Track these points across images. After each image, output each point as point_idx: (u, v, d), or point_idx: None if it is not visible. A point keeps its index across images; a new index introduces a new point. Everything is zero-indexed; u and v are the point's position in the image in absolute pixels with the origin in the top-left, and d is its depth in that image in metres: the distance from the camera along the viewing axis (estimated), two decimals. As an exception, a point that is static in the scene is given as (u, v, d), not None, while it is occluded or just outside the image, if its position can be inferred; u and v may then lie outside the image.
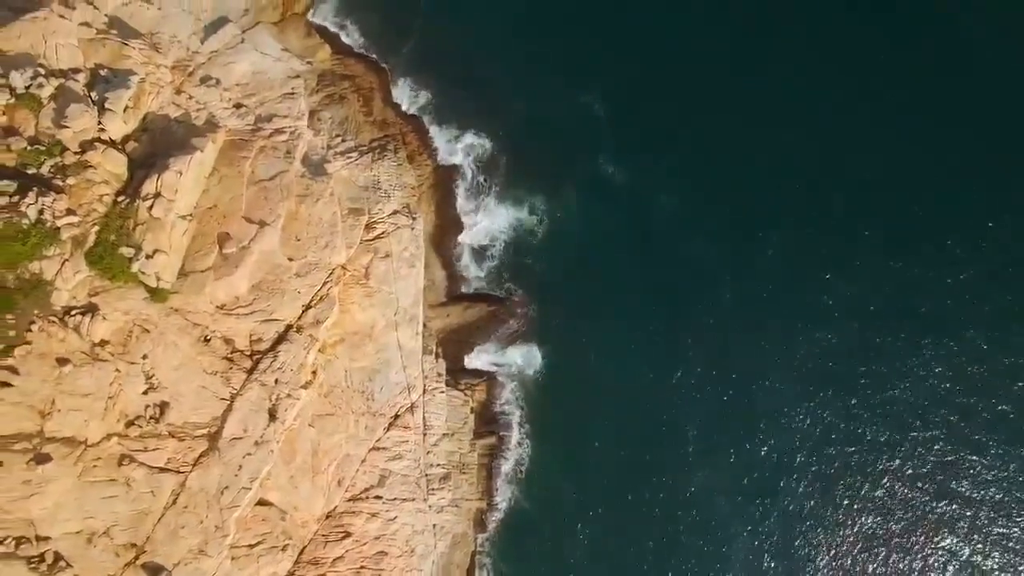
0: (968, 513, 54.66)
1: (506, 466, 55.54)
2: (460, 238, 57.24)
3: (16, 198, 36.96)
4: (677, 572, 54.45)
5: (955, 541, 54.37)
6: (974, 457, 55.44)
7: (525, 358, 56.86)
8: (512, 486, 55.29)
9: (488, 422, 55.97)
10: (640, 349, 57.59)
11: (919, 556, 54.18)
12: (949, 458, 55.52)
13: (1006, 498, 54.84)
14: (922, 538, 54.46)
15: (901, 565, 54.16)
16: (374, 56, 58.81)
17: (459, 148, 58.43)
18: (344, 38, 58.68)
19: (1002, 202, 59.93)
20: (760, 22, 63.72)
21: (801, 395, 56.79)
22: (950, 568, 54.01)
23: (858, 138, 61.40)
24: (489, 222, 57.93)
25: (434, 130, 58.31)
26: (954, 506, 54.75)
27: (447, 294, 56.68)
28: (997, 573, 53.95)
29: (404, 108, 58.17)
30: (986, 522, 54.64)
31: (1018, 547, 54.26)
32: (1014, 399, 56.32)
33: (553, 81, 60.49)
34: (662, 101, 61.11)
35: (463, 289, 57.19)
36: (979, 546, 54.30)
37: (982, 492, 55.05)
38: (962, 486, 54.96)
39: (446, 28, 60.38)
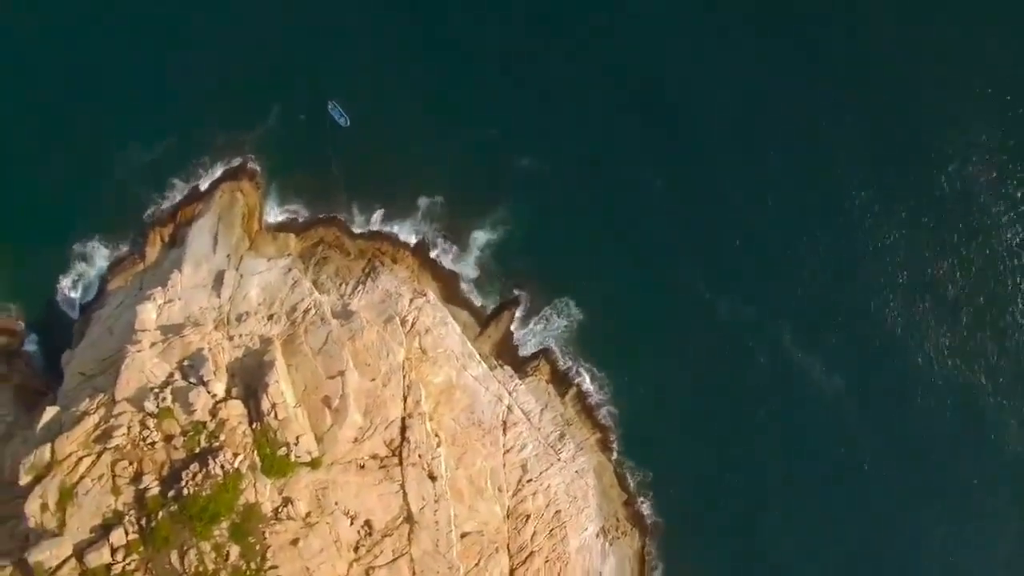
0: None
1: (595, 399, 71.20)
2: (461, 282, 71.97)
3: (205, 470, 52.83)
4: (733, 400, 72.05)
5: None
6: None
7: (557, 319, 72.04)
8: (607, 408, 71.04)
9: (563, 380, 71.74)
10: (635, 264, 73.71)
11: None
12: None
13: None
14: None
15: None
16: (323, 214, 71.05)
17: (418, 226, 72.14)
18: (296, 219, 70.77)
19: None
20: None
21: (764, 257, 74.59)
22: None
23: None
24: (470, 256, 72.54)
25: (395, 229, 71.65)
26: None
27: (479, 323, 71.70)
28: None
29: (365, 232, 71.29)
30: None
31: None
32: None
33: (456, 133, 73.93)
34: (545, 103, 75.79)
35: (486, 312, 72.21)
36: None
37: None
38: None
39: (355, 152, 72.15)
